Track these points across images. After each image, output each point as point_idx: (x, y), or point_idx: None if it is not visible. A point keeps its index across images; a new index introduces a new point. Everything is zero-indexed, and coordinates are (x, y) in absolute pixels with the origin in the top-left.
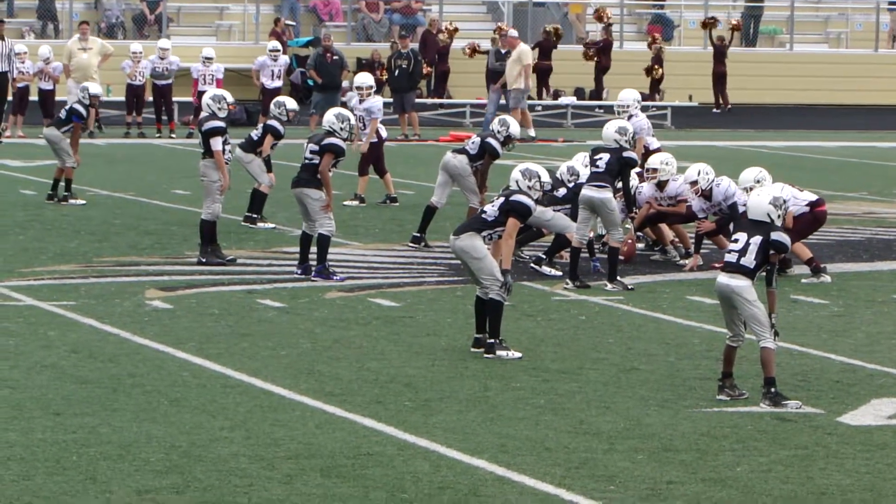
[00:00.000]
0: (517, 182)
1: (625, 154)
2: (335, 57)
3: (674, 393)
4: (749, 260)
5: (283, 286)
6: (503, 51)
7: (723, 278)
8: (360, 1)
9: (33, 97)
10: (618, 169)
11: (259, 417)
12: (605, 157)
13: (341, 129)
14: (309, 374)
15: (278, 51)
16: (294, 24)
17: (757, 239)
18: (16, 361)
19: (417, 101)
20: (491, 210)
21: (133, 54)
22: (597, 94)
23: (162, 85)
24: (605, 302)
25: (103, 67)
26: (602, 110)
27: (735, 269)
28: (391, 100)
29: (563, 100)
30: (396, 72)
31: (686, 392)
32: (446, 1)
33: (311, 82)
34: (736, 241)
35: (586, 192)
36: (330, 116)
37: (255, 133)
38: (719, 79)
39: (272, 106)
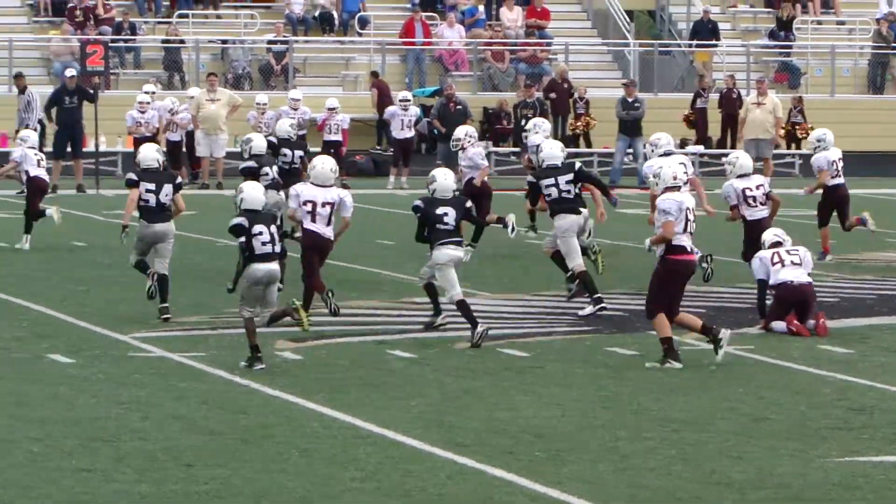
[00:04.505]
0: None
1: None
2: (458, 106)
3: (805, 443)
4: None
5: (412, 336)
6: (629, 99)
7: None
8: (486, 51)
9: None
10: None
11: (390, 468)
12: None
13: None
14: (439, 425)
15: (409, 101)
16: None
17: None
18: (147, 412)
19: None
20: None
21: (258, 105)
22: (723, 143)
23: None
24: (735, 351)
25: (231, 118)
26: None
27: None
28: (517, 149)
29: (690, 148)
30: (523, 121)
31: (818, 442)
32: (572, 50)
33: (435, 132)
34: None
35: None
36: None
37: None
38: None
39: (242, 143)
